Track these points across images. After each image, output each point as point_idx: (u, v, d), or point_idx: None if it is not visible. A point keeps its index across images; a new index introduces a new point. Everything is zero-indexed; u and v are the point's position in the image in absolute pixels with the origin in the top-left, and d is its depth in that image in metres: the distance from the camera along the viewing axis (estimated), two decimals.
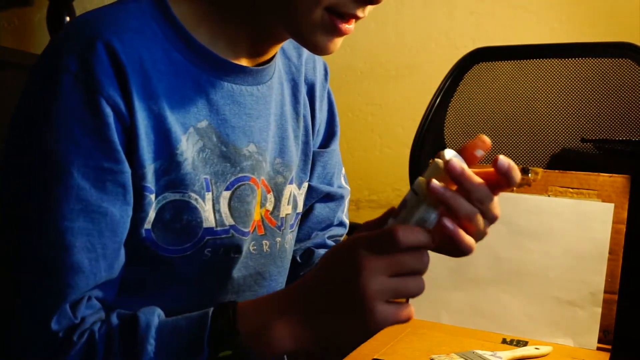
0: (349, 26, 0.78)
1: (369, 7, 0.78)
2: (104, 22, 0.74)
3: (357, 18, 0.78)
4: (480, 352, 1.09)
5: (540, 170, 1.31)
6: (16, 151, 0.73)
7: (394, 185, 1.81)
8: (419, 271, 0.71)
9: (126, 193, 0.74)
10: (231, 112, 0.83)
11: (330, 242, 1.06)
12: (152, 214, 0.77)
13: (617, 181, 1.24)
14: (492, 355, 1.08)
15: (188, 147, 0.78)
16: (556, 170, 1.29)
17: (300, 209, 0.96)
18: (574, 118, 1.38)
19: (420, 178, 0.68)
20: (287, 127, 0.92)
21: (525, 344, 1.17)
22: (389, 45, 1.79)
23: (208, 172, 0.80)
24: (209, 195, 0.80)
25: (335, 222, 1.06)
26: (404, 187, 1.78)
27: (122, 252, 0.76)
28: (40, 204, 0.71)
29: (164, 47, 0.77)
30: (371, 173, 1.83)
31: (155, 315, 0.72)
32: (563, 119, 1.39)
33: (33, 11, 1.81)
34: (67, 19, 1.64)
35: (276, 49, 0.88)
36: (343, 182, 1.07)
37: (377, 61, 1.80)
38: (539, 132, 1.41)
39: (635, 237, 1.21)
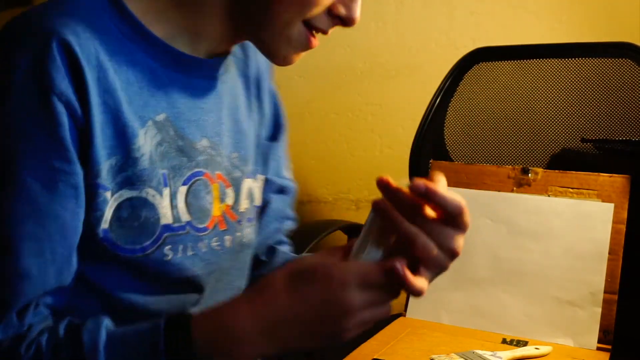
0: (316, 41, 0.81)
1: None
2: (58, 16, 0.72)
3: (325, 33, 0.81)
4: (480, 352, 1.09)
5: (540, 170, 1.31)
6: None
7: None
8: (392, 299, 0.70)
9: (78, 195, 0.72)
10: (186, 106, 0.82)
11: (286, 239, 1.05)
12: (108, 213, 0.74)
13: (617, 181, 1.24)
14: (492, 355, 1.08)
15: (146, 141, 0.77)
16: (556, 170, 1.29)
17: (258, 202, 0.95)
18: (574, 118, 1.38)
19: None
20: (241, 121, 0.92)
21: (525, 344, 1.17)
22: (389, 45, 1.79)
23: (166, 166, 0.79)
24: (166, 191, 0.78)
25: (289, 216, 1.05)
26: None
27: (74, 257, 0.74)
28: None
29: (119, 40, 0.76)
30: (371, 173, 1.83)
31: (102, 328, 0.69)
32: (563, 119, 1.39)
33: None
34: None
35: (231, 47, 0.88)
36: (289, 176, 1.06)
37: (377, 61, 1.80)
38: (539, 132, 1.41)
39: (635, 237, 1.21)
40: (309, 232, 1.40)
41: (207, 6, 0.79)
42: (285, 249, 1.02)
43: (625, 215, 1.21)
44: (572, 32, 1.74)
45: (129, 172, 0.75)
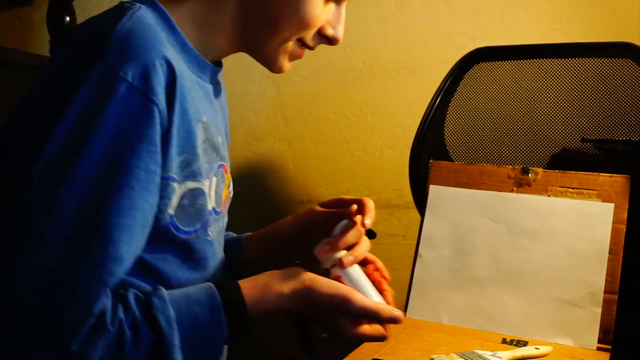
0: (304, 53, 0.95)
1: None
2: (149, 34, 0.82)
3: (311, 49, 0.95)
4: (480, 352, 1.09)
5: (540, 170, 1.31)
6: (66, 153, 0.77)
7: (394, 185, 1.81)
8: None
9: (157, 189, 0.82)
10: (210, 108, 0.95)
11: None
12: (175, 201, 0.85)
13: (617, 181, 1.24)
14: (492, 355, 1.08)
15: (199, 140, 0.88)
16: (556, 170, 1.29)
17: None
18: (574, 118, 1.38)
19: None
20: (227, 117, 1.08)
21: (525, 344, 1.17)
22: (389, 45, 1.79)
23: (207, 160, 0.90)
24: (207, 182, 0.90)
25: None
26: (404, 187, 1.77)
27: (144, 241, 0.83)
28: (94, 199, 0.77)
29: (174, 51, 0.86)
30: (371, 173, 1.83)
31: (169, 305, 0.81)
32: (563, 119, 1.39)
33: (33, 11, 1.81)
34: (67, 19, 1.63)
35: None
36: None
37: (377, 61, 1.80)
38: (539, 132, 1.41)
39: (635, 237, 1.21)
40: None
41: (219, 23, 0.91)
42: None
43: (625, 215, 1.21)
44: (572, 32, 1.73)
45: (193, 167, 0.87)
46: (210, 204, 0.92)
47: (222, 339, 0.83)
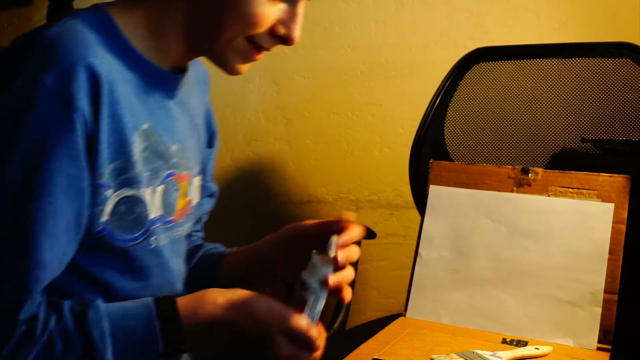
0: (260, 56, 0.91)
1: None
2: (79, 40, 0.82)
3: (267, 50, 0.91)
4: (480, 352, 1.09)
5: (540, 170, 1.31)
6: None
7: (394, 185, 1.81)
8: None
9: (85, 195, 0.82)
10: (161, 115, 0.93)
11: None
12: (108, 208, 0.85)
13: (617, 181, 1.24)
14: (492, 355, 1.08)
15: (137, 148, 0.87)
16: (556, 170, 1.29)
17: (199, 199, 1.06)
18: (574, 118, 1.38)
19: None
20: (197, 128, 1.04)
21: (525, 344, 1.17)
22: (389, 45, 1.79)
23: (148, 169, 0.89)
24: (149, 190, 0.90)
25: (207, 214, 1.17)
26: (404, 187, 1.77)
27: (75, 247, 0.84)
28: (15, 206, 0.78)
29: (115, 56, 0.85)
30: (371, 173, 1.83)
31: (105, 318, 0.82)
32: (563, 119, 1.39)
33: (33, 11, 1.81)
34: None
35: (188, 62, 0.98)
36: (213, 179, 1.19)
37: (377, 61, 1.80)
38: (539, 132, 1.41)
39: (635, 237, 1.21)
40: None
41: (169, 27, 0.90)
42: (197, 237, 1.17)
43: (625, 215, 1.21)
44: (572, 32, 1.73)
45: (128, 174, 0.86)
46: (154, 213, 0.91)
47: (156, 351, 0.84)
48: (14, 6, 1.82)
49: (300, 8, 0.89)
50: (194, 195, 1.02)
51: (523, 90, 1.44)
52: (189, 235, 1.11)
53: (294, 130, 1.85)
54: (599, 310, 1.18)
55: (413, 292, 1.31)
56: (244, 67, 0.93)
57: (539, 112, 1.42)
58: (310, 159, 1.85)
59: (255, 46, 0.89)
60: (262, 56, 0.91)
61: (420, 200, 1.41)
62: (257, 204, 1.86)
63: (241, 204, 1.85)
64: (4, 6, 1.82)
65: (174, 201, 0.95)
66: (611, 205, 1.22)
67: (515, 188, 1.31)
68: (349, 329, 1.42)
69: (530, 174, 1.31)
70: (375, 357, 1.10)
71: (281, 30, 0.89)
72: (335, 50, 1.81)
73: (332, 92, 1.82)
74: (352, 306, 1.49)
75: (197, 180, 1.04)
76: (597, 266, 1.20)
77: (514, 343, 1.18)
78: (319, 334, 0.88)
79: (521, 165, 1.33)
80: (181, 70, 0.96)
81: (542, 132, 1.41)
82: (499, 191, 1.31)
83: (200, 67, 1.08)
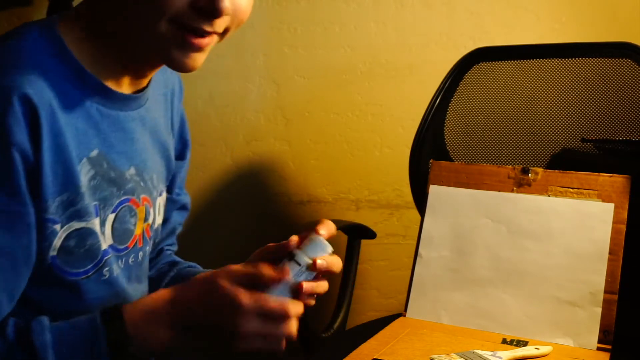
0: (205, 40, 0.78)
1: (223, 20, 0.78)
2: (14, 68, 0.76)
3: (212, 34, 0.79)
4: (480, 352, 1.09)
5: (540, 170, 1.31)
6: None
7: (394, 185, 1.81)
8: (288, 318, 0.78)
9: (31, 230, 0.77)
10: (117, 139, 0.86)
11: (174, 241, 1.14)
12: (57, 242, 0.80)
13: (617, 181, 1.24)
14: (492, 355, 1.08)
15: (84, 177, 0.82)
16: (556, 170, 1.29)
17: (162, 217, 1.02)
18: (574, 118, 1.38)
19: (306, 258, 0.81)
20: (161, 142, 0.97)
21: (525, 344, 1.17)
22: (389, 45, 1.79)
23: (97, 197, 0.84)
24: (97, 220, 0.84)
25: (179, 227, 1.13)
26: (404, 187, 1.77)
27: (24, 281, 0.79)
28: None
29: (60, 81, 0.79)
30: (371, 173, 1.83)
31: (47, 331, 0.77)
32: (563, 119, 1.39)
33: (33, 11, 1.81)
34: None
35: (153, 73, 0.91)
36: (185, 191, 1.13)
37: (377, 61, 1.80)
38: (539, 132, 1.41)
39: (635, 237, 1.21)
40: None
41: (108, 39, 0.82)
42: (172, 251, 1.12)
43: (625, 215, 1.21)
44: (572, 32, 1.73)
45: (77, 206, 0.81)
46: (106, 243, 0.86)
47: (101, 355, 0.78)
48: (14, 6, 1.82)
49: None
50: (157, 217, 0.97)
51: (523, 90, 1.44)
52: (160, 251, 1.08)
53: (294, 130, 1.85)
54: (599, 310, 1.18)
55: (413, 292, 1.31)
56: (191, 59, 0.80)
57: (539, 112, 1.42)
58: (310, 159, 1.85)
59: (184, 29, 0.77)
60: (210, 41, 0.79)
61: (420, 200, 1.41)
62: (257, 204, 1.86)
63: (241, 204, 1.85)
64: (4, 6, 1.81)
65: (130, 228, 0.90)
66: (611, 205, 1.22)
67: (515, 188, 1.31)
68: (349, 329, 1.42)
69: (530, 174, 1.30)
70: (375, 357, 1.10)
71: (201, 2, 0.75)
72: (335, 50, 1.80)
73: (332, 92, 1.82)
74: (352, 306, 1.49)
75: (161, 200, 0.99)
76: (597, 266, 1.20)
77: (514, 343, 1.18)
78: (292, 305, 0.78)
79: (521, 165, 1.33)
80: (144, 88, 0.90)
81: (542, 132, 1.41)
82: (499, 191, 1.31)
83: (170, 74, 1.01)
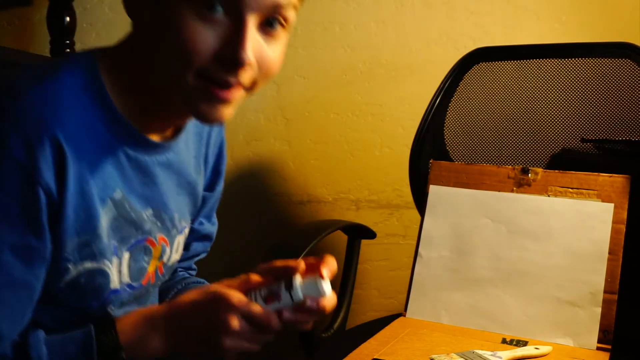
0: (231, 93, 0.77)
1: (248, 72, 0.77)
2: (50, 110, 0.76)
3: (236, 86, 0.77)
4: (480, 352, 1.09)
5: (540, 170, 1.31)
6: None
7: (394, 185, 1.81)
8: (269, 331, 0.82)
9: (46, 263, 0.79)
10: (140, 182, 0.86)
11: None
12: (68, 278, 0.81)
13: (617, 181, 1.24)
14: (492, 355, 1.08)
15: (105, 219, 0.83)
16: (556, 170, 1.29)
17: (181, 252, 1.01)
18: (574, 118, 1.38)
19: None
20: (188, 182, 0.96)
21: (525, 344, 1.17)
22: (389, 45, 1.79)
23: (117, 238, 0.85)
24: (116, 260, 0.85)
25: (203, 253, 1.12)
26: (404, 187, 1.77)
27: (33, 309, 0.81)
28: None
29: (92, 120, 0.80)
30: (371, 173, 1.83)
31: (42, 344, 0.79)
32: (563, 119, 1.39)
33: (33, 11, 1.81)
34: (67, 19, 1.63)
35: (185, 122, 0.91)
36: (215, 217, 1.12)
37: (377, 61, 1.80)
38: (539, 132, 1.41)
39: (635, 237, 1.21)
40: (309, 232, 1.40)
41: (146, 87, 0.82)
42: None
43: (625, 215, 1.21)
44: (572, 32, 1.73)
45: (92, 248, 0.82)
46: (117, 283, 0.86)
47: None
48: (14, 6, 1.82)
49: (251, 22, 0.74)
50: (174, 254, 0.97)
51: (523, 90, 1.44)
52: (173, 272, 1.07)
53: (294, 130, 1.85)
54: (599, 310, 1.18)
55: (413, 292, 1.31)
56: (218, 112, 0.78)
57: (539, 112, 1.42)
58: (310, 159, 1.85)
59: (210, 81, 0.76)
60: (236, 94, 0.78)
61: (420, 200, 1.41)
62: (257, 204, 1.86)
63: (241, 204, 1.85)
64: (4, 6, 1.82)
65: (144, 265, 0.91)
66: (611, 205, 1.23)
67: (515, 188, 1.31)
68: (349, 329, 1.42)
69: (530, 174, 1.31)
70: (375, 357, 1.10)
71: (226, 54, 0.74)
72: (335, 50, 1.81)
73: (332, 92, 1.82)
74: (352, 306, 1.49)
75: (182, 237, 0.98)
76: (597, 266, 1.20)
77: (514, 343, 1.18)
78: (272, 319, 0.81)
79: (521, 165, 1.33)
80: (177, 130, 0.90)
81: (542, 132, 1.41)
82: (499, 191, 1.31)
83: None
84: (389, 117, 1.82)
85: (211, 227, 1.10)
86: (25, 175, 0.74)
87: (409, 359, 1.09)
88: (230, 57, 0.74)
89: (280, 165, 1.86)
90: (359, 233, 1.52)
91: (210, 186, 1.05)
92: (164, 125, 0.88)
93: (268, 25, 0.77)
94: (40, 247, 0.77)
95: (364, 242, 1.54)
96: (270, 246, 1.34)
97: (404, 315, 1.30)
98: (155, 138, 0.87)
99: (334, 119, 1.83)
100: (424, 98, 1.49)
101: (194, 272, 1.13)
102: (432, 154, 1.44)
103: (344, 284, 1.47)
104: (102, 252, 0.83)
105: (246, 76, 0.77)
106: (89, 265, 0.82)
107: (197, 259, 1.12)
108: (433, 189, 1.36)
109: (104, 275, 0.84)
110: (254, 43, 0.76)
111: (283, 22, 0.78)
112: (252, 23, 0.75)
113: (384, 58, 1.80)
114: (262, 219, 1.86)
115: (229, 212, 1.85)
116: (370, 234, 1.53)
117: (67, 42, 1.65)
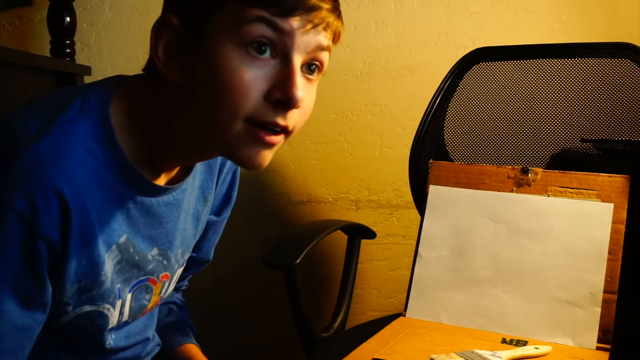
0: (276, 137, 0.76)
1: (294, 114, 0.76)
2: (57, 166, 0.74)
3: (281, 128, 0.76)
4: (480, 351, 1.09)
5: (540, 170, 1.31)
6: None
7: (394, 185, 1.81)
8: None
9: (47, 307, 0.79)
10: (145, 224, 0.85)
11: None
12: (66, 319, 0.83)
13: (616, 181, 1.24)
14: (492, 354, 1.08)
15: (109, 264, 0.82)
16: (556, 170, 1.29)
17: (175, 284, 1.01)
18: (574, 118, 1.38)
19: None
20: (192, 214, 0.95)
21: (525, 343, 1.17)
22: (389, 45, 1.79)
23: (120, 280, 0.85)
24: (119, 302, 0.86)
25: (196, 271, 1.12)
26: (404, 187, 1.78)
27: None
28: None
29: (101, 169, 0.78)
30: (371, 173, 1.83)
31: None
32: (563, 119, 1.39)
33: (33, 11, 1.81)
34: (67, 19, 1.63)
35: (196, 162, 0.90)
36: (212, 250, 1.11)
37: (377, 61, 1.80)
38: (538, 132, 1.41)
39: (634, 237, 1.21)
40: (309, 232, 1.40)
41: (161, 137, 0.80)
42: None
43: (624, 215, 1.21)
44: (572, 32, 1.74)
45: (93, 292, 0.82)
46: (114, 324, 0.88)
47: None
48: (14, 6, 1.82)
49: (297, 62, 0.74)
50: (172, 286, 0.98)
51: (523, 90, 1.44)
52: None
53: None
54: (599, 310, 1.18)
55: (413, 292, 1.31)
56: (261, 157, 0.77)
57: (538, 112, 1.42)
58: (310, 159, 1.85)
59: (258, 126, 0.74)
60: (281, 139, 0.77)
61: (420, 200, 1.41)
62: (257, 204, 1.86)
63: (241, 204, 1.85)
64: (4, 6, 1.82)
65: (144, 303, 0.92)
66: (610, 205, 1.23)
67: (515, 188, 1.31)
68: (349, 329, 1.42)
69: (530, 174, 1.31)
70: (375, 357, 1.10)
71: (277, 95, 0.73)
72: (335, 50, 1.80)
73: (332, 92, 1.82)
74: (352, 306, 1.49)
75: (180, 270, 0.98)
76: (597, 266, 1.20)
77: (514, 343, 1.18)
78: None
79: (521, 165, 1.34)
80: (186, 171, 0.89)
81: (542, 132, 1.41)
82: (499, 191, 1.31)
83: None
84: (389, 117, 1.82)
85: (209, 256, 1.10)
86: (27, 228, 0.74)
87: (409, 359, 1.09)
88: (282, 97, 0.74)
89: (280, 165, 1.86)
90: (359, 233, 1.52)
91: (218, 212, 1.05)
92: (172, 167, 0.86)
93: (308, 68, 0.78)
94: (41, 294, 0.77)
95: (364, 242, 1.54)
96: (270, 246, 1.34)
97: (404, 315, 1.30)
98: (163, 179, 0.86)
99: (334, 119, 1.84)
100: (423, 98, 1.49)
101: (185, 287, 1.15)
102: (432, 154, 1.44)
103: (344, 283, 1.47)
104: (103, 296, 0.83)
105: (293, 118, 0.76)
106: (87, 308, 0.83)
107: (190, 276, 1.13)
108: (433, 189, 1.37)
109: (103, 317, 0.85)
110: (302, 83, 0.76)
111: (320, 66, 0.79)
112: (298, 63, 0.75)
113: (384, 58, 1.80)
114: (262, 219, 1.86)
115: (229, 215, 1.85)
116: (370, 234, 1.53)
117: (67, 42, 1.65)
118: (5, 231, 0.73)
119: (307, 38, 0.75)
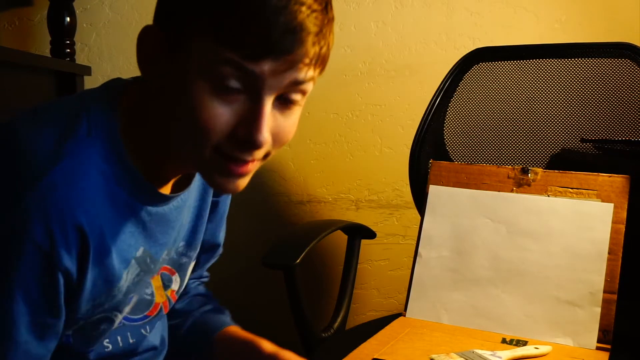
0: (246, 167, 0.77)
1: (261, 152, 0.76)
2: (72, 194, 0.74)
3: (253, 161, 0.77)
4: (480, 351, 1.09)
5: (540, 170, 1.31)
6: None
7: (394, 185, 1.81)
8: None
9: (59, 335, 0.80)
10: (159, 231, 0.86)
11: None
12: (75, 326, 0.83)
13: (616, 181, 1.24)
14: (491, 354, 1.08)
15: (127, 279, 0.83)
16: (556, 170, 1.29)
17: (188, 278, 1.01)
18: (574, 118, 1.38)
19: None
20: (202, 210, 0.95)
21: (525, 343, 1.17)
22: (389, 45, 1.79)
23: (134, 289, 0.86)
24: (127, 308, 0.87)
25: (213, 259, 1.11)
26: (404, 187, 1.78)
27: None
28: None
29: (114, 189, 0.78)
30: (371, 173, 1.83)
31: None
32: (563, 119, 1.39)
33: (33, 11, 1.81)
34: (67, 19, 1.63)
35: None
36: (224, 229, 1.10)
37: (377, 61, 1.80)
38: (539, 132, 1.41)
39: (634, 237, 1.21)
40: (309, 232, 1.40)
41: (167, 152, 0.81)
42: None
43: (624, 215, 1.22)
44: (572, 32, 1.74)
45: (105, 306, 0.83)
46: (118, 322, 0.87)
47: None
48: (15, 6, 1.82)
49: (268, 102, 0.73)
50: (185, 281, 0.97)
51: (523, 90, 1.44)
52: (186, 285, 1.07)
53: None
54: (599, 310, 1.18)
55: (413, 292, 1.31)
56: (233, 184, 0.78)
57: (538, 112, 1.42)
58: (310, 159, 1.85)
59: (224, 157, 0.75)
60: (252, 167, 0.77)
61: (420, 200, 1.41)
62: (257, 204, 1.86)
63: (241, 204, 1.85)
64: (4, 6, 1.82)
65: (145, 298, 0.90)
66: (610, 205, 1.23)
67: (515, 188, 1.31)
68: (349, 329, 1.42)
69: (530, 174, 1.31)
70: (375, 357, 1.10)
71: (241, 134, 0.73)
72: (335, 50, 1.80)
73: (332, 92, 1.82)
74: (352, 306, 1.49)
75: (192, 264, 0.98)
76: (597, 266, 1.20)
77: (514, 343, 1.18)
78: None
79: (521, 165, 1.34)
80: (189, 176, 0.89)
81: (542, 132, 1.41)
82: (499, 191, 1.31)
83: None
84: (389, 117, 1.82)
85: (218, 239, 1.08)
86: (45, 260, 0.74)
87: (409, 359, 1.09)
88: (246, 138, 0.73)
89: (280, 165, 1.86)
90: (359, 233, 1.53)
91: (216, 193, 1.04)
92: (178, 173, 0.87)
93: (285, 98, 0.76)
94: (56, 323, 0.78)
95: (364, 242, 1.54)
96: (270, 246, 1.34)
97: (404, 315, 1.30)
98: (170, 184, 0.87)
99: (334, 119, 1.84)
100: (423, 98, 1.49)
101: (206, 279, 1.13)
102: (432, 154, 1.44)
103: (344, 283, 1.47)
104: (114, 307, 0.84)
105: (261, 152, 0.76)
106: (97, 316, 0.83)
107: (207, 265, 1.11)
108: (433, 189, 1.37)
109: (109, 322, 0.86)
110: (271, 121, 0.75)
111: (301, 95, 0.77)
112: (269, 102, 0.73)
113: (383, 58, 1.81)
114: (262, 219, 1.86)
115: (228, 211, 1.85)
116: (370, 234, 1.53)
117: (67, 42, 1.65)
118: (23, 262, 0.73)
119: (280, 78, 0.72)
